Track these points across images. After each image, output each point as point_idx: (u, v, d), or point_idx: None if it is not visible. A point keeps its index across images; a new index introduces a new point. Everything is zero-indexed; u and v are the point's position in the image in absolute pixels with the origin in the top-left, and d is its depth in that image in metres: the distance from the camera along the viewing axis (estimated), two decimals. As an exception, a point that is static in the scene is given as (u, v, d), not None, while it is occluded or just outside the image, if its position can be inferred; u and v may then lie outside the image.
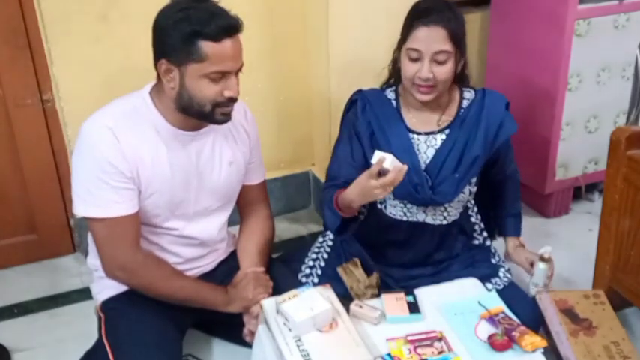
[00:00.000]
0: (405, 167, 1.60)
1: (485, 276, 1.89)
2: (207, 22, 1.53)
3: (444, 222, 1.91)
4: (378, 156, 1.58)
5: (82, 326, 2.03)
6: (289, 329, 1.56)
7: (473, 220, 2.02)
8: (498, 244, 2.08)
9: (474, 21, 2.89)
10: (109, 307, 1.77)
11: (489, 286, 1.86)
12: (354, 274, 1.85)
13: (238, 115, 1.80)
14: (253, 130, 1.88)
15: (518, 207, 2.07)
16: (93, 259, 1.80)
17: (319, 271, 1.94)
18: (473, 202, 2.01)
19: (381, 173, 1.59)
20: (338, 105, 2.16)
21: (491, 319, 1.62)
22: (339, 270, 1.89)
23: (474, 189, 1.91)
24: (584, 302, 1.83)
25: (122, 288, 1.75)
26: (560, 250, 2.49)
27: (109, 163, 1.60)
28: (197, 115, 1.64)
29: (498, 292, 1.80)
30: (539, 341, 1.55)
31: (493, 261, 1.98)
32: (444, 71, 1.73)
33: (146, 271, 1.70)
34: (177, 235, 1.78)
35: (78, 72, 2.30)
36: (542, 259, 1.87)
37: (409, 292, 1.72)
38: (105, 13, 2.26)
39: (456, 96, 1.89)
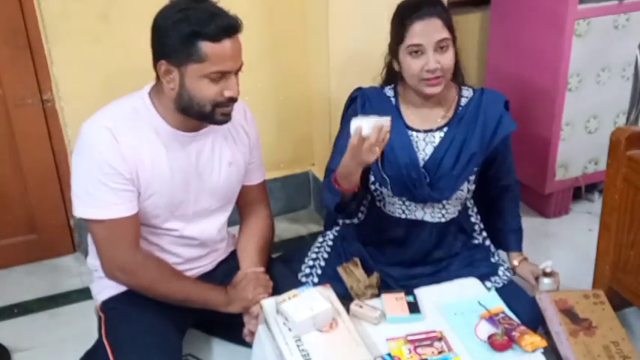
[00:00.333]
0: (387, 120, 1.58)
1: (485, 275, 1.89)
2: (207, 23, 1.53)
3: (443, 219, 1.92)
4: (354, 125, 1.56)
5: (82, 326, 2.03)
6: (289, 329, 1.56)
7: (472, 219, 2.03)
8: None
9: (473, 21, 2.89)
10: (109, 307, 1.77)
11: (489, 284, 1.86)
12: (354, 274, 1.85)
13: (238, 116, 1.80)
14: (253, 130, 1.88)
15: (519, 221, 2.06)
16: (93, 260, 1.80)
17: (319, 271, 1.94)
18: (472, 201, 2.02)
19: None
20: (338, 105, 2.16)
21: (491, 319, 1.62)
22: (339, 270, 1.89)
23: (473, 187, 1.91)
24: (584, 302, 1.83)
25: (122, 288, 1.75)
26: (560, 250, 2.50)
27: (109, 164, 1.60)
28: (197, 115, 1.64)
29: (498, 290, 1.80)
30: (539, 341, 1.55)
31: (492, 260, 1.98)
32: (449, 58, 1.76)
33: (146, 271, 1.70)
34: (176, 235, 1.78)
35: (78, 72, 2.30)
36: (545, 274, 1.88)
37: (409, 292, 1.72)
38: (105, 13, 2.26)
39: (454, 94, 1.90)
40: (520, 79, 2.66)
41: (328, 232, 2.08)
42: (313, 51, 2.58)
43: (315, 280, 1.92)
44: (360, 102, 1.91)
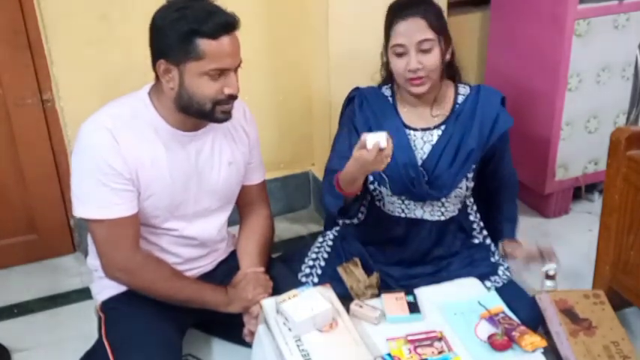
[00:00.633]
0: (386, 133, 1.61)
1: (485, 274, 1.89)
2: (204, 20, 1.53)
3: (442, 217, 1.92)
4: (372, 141, 1.58)
5: (82, 326, 2.03)
6: (289, 329, 1.56)
7: (472, 218, 2.02)
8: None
9: (473, 21, 2.89)
10: (109, 307, 1.77)
11: (488, 284, 1.86)
12: (354, 274, 1.85)
13: (238, 115, 1.79)
14: (253, 130, 1.88)
15: (515, 211, 2.06)
16: (93, 260, 1.79)
17: (319, 271, 1.94)
18: (472, 200, 2.02)
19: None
20: (338, 105, 2.16)
21: (491, 319, 1.62)
22: (339, 270, 1.89)
23: (471, 184, 1.92)
24: (584, 302, 1.83)
25: (122, 288, 1.75)
26: (560, 250, 2.49)
27: (108, 164, 1.59)
28: (197, 114, 1.64)
29: (497, 290, 1.80)
30: (539, 341, 1.55)
31: (493, 259, 1.98)
32: (432, 59, 1.76)
33: (146, 272, 1.70)
34: (176, 235, 1.77)
35: (78, 72, 2.30)
36: (547, 276, 1.88)
37: (409, 292, 1.72)
38: (105, 13, 2.27)
39: (451, 92, 1.90)
40: (520, 79, 2.66)
41: (328, 232, 2.08)
42: (313, 51, 2.58)
43: (315, 280, 1.92)
44: (357, 102, 1.91)
